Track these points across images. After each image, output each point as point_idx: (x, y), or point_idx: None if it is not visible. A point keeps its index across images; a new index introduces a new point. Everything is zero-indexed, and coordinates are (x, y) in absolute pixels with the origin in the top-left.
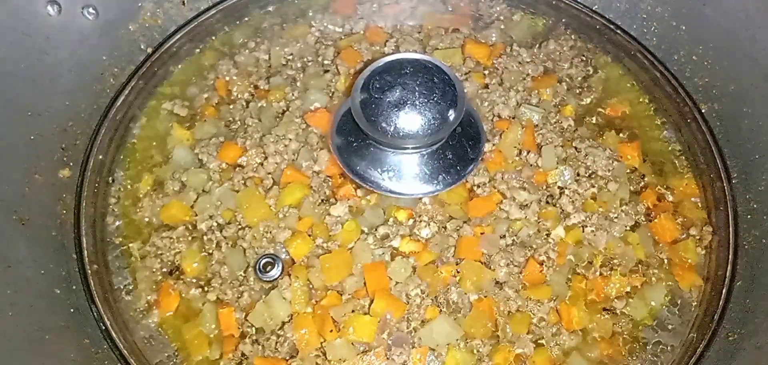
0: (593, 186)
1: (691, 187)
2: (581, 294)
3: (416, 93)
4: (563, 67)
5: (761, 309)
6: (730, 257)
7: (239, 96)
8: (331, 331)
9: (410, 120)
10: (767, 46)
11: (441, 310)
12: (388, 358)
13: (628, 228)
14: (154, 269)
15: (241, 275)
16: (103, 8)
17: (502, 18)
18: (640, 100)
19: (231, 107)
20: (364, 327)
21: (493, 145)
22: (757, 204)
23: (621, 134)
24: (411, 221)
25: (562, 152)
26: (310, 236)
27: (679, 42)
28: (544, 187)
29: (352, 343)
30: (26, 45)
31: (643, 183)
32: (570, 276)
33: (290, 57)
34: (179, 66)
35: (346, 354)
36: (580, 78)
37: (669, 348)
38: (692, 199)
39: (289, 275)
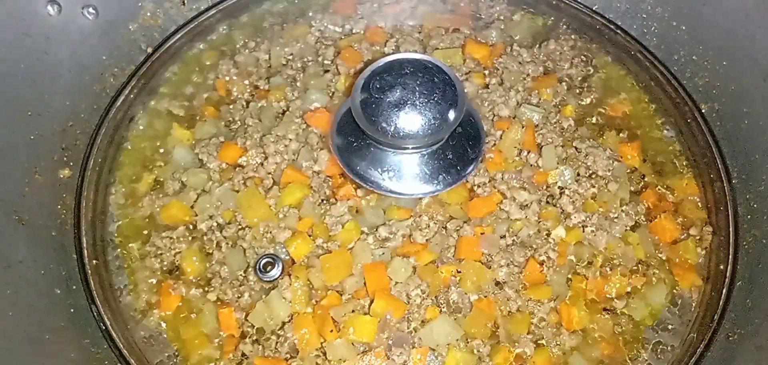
0: (593, 186)
1: (692, 187)
2: (581, 294)
3: (416, 93)
4: (563, 67)
5: (761, 309)
6: (730, 257)
7: (239, 96)
8: (332, 331)
9: (411, 120)
10: (767, 46)
11: (441, 310)
12: (388, 358)
13: (628, 228)
14: (154, 269)
15: (241, 275)
16: (103, 8)
17: (502, 18)
18: (641, 100)
19: (231, 106)
20: (365, 327)
21: (494, 145)
22: (757, 204)
23: (621, 134)
24: (411, 221)
25: (563, 152)
26: (310, 236)
27: (679, 42)
28: (545, 187)
29: (353, 343)
30: (26, 45)
31: (643, 183)
32: (570, 276)
33: (290, 57)
34: (179, 66)
35: (347, 354)
36: (580, 78)
37: (669, 348)
38: (692, 199)
39: (289, 275)
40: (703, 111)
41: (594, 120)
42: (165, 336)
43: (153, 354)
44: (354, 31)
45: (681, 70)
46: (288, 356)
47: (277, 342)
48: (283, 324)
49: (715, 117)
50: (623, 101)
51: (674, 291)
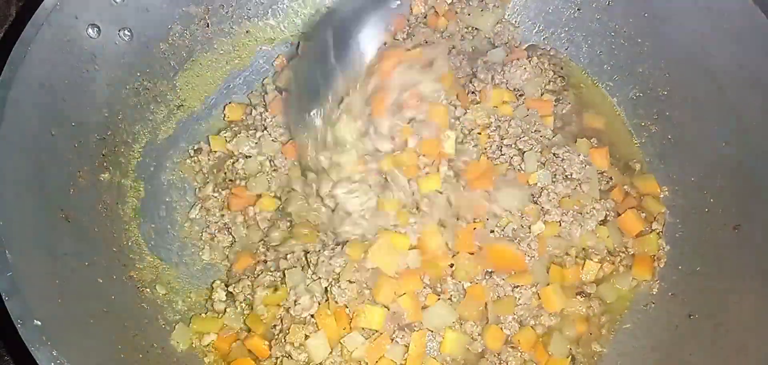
0: (568, 186)
1: (653, 185)
2: (559, 280)
3: None
4: (542, 84)
5: (716, 293)
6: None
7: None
8: (344, 329)
9: None
10: (720, 61)
11: (439, 297)
12: (393, 341)
13: (598, 223)
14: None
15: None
16: (137, 31)
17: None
18: (611, 108)
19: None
20: (374, 316)
21: (484, 151)
22: (713, 199)
23: (592, 140)
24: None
25: (542, 157)
26: None
27: (643, 57)
28: (527, 187)
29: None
30: (70, 63)
31: (611, 183)
32: (549, 265)
33: None
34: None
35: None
36: (557, 91)
37: (637, 329)
38: (653, 196)
39: None
40: (666, 115)
41: (569, 128)
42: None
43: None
44: None
45: (645, 81)
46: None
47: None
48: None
49: (676, 123)
50: (596, 110)
51: (639, 277)
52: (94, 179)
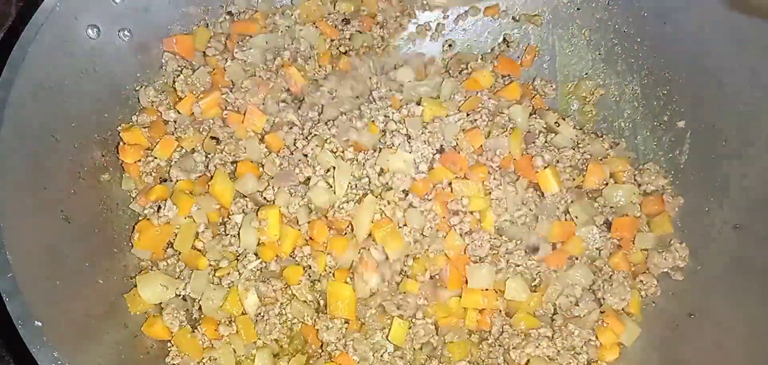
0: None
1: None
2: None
3: None
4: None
5: (716, 293)
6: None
7: None
8: None
9: None
10: (720, 58)
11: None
12: None
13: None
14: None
15: None
16: (137, 31)
17: None
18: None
19: None
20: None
21: None
22: (713, 198)
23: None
24: None
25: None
26: None
27: (642, 56)
28: None
29: None
30: (70, 63)
31: None
32: None
33: None
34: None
35: None
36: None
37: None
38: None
39: None
40: (666, 114)
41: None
42: None
43: None
44: None
45: (645, 80)
46: None
47: None
48: None
49: (675, 122)
50: None
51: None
52: (95, 181)
